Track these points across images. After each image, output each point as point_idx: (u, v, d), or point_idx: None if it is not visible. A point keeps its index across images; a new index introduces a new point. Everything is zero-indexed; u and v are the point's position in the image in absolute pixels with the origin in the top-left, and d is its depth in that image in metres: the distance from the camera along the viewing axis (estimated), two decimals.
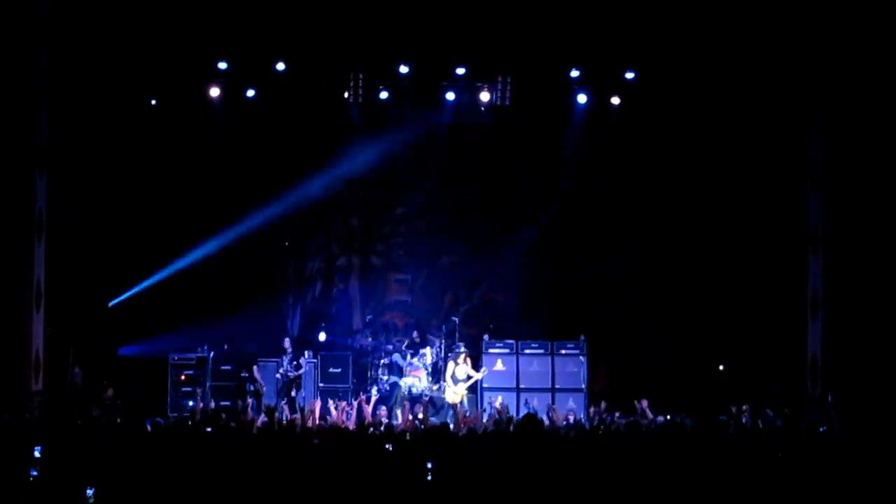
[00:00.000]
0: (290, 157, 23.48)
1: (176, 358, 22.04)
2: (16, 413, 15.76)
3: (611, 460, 11.40)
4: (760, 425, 16.57)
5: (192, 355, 22.07)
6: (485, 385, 21.53)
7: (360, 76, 22.85)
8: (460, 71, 22.70)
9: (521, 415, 19.35)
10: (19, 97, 19.87)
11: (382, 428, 15.88)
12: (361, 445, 12.02)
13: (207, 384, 21.83)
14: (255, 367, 21.69)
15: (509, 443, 12.39)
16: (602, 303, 23.17)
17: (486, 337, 22.62)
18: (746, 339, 22.13)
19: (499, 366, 21.17)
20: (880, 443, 12.43)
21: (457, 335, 22.41)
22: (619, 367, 22.67)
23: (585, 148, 23.41)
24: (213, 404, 20.58)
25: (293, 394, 21.17)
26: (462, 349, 21.36)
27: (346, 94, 23.08)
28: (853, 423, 14.81)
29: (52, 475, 11.19)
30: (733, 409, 18.40)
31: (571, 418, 18.20)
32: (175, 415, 20.73)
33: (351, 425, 16.50)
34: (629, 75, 22.56)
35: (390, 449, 12.27)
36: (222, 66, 22.29)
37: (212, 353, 22.16)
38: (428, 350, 22.14)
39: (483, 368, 21.10)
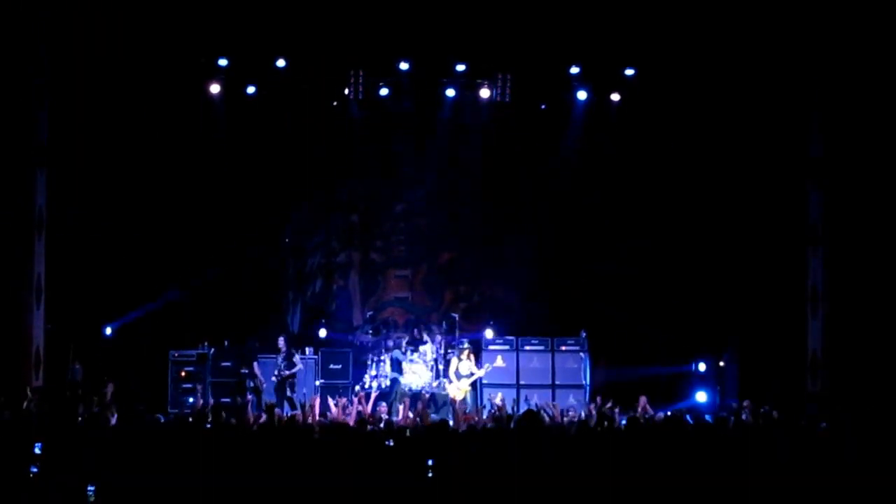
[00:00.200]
0: (290, 154, 23.50)
1: (176, 354, 22.04)
2: (16, 409, 15.75)
3: (611, 456, 11.41)
4: (761, 422, 16.58)
5: (193, 352, 22.08)
6: (485, 381, 21.53)
7: (361, 73, 22.86)
8: (460, 68, 22.70)
9: (521, 411, 19.44)
10: (19, 95, 19.87)
11: (382, 424, 15.89)
12: (362, 441, 12.03)
13: (207, 381, 21.84)
14: (255, 364, 21.68)
15: (509, 439, 12.40)
16: (602, 299, 23.17)
17: (485, 333, 22.63)
18: (746, 335, 22.13)
19: (499, 362, 21.16)
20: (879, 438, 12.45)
21: (457, 331, 22.41)
22: (620, 363, 22.67)
23: (585, 145, 23.42)
24: (212, 401, 20.58)
25: (287, 392, 21.16)
26: (465, 345, 21.37)
27: (346, 91, 23.09)
28: (853, 419, 14.78)
29: (52, 472, 11.19)
30: (734, 406, 18.42)
31: (572, 414, 18.19)
32: (175, 411, 20.74)
33: (351, 422, 16.50)
34: (629, 72, 22.57)
35: (391, 445, 12.28)
36: (222, 62, 22.30)
37: (212, 350, 22.17)
38: (428, 346, 22.14)
39: (487, 364, 21.10)
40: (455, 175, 24.28)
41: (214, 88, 22.57)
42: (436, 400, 21.30)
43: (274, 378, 21.41)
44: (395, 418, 18.28)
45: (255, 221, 23.54)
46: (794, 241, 21.43)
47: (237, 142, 23.06)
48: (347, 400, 19.40)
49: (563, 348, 22.27)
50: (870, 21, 19.87)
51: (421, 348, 22.11)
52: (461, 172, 24.26)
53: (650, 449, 11.82)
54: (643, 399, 18.95)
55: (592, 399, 20.25)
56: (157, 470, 11.05)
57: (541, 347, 22.32)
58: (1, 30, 19.54)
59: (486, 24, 21.26)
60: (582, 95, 23.08)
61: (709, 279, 22.40)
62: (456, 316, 22.83)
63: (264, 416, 16.58)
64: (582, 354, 22.14)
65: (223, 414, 16.47)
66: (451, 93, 23.17)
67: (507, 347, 22.25)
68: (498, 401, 19.03)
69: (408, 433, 14.00)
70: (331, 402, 18.04)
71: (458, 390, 20.73)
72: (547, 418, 16.44)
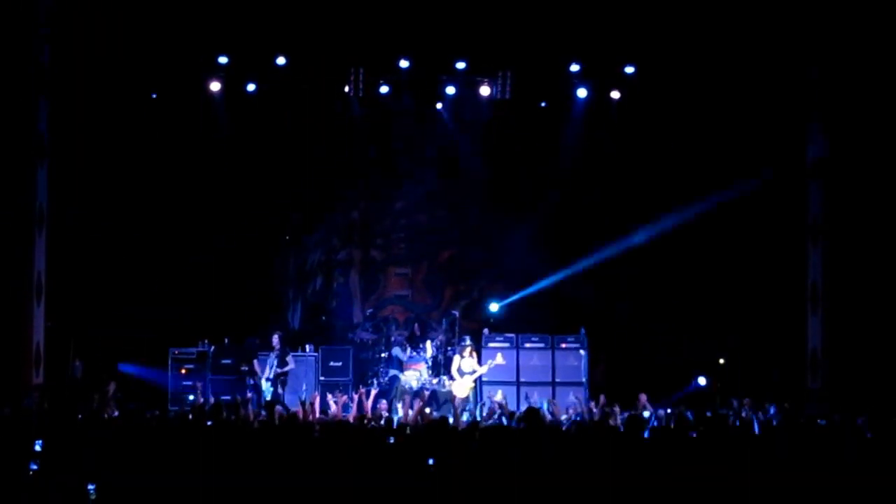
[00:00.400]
0: (290, 152, 23.51)
1: (176, 352, 22.05)
2: (16, 406, 15.75)
3: (611, 454, 11.41)
4: (761, 418, 16.60)
5: (193, 349, 22.09)
6: (485, 379, 21.54)
7: (361, 70, 22.85)
8: (460, 65, 22.70)
9: (521, 409, 19.44)
10: (20, 91, 19.87)
11: (383, 422, 15.90)
12: (362, 439, 12.03)
13: (208, 378, 21.85)
14: (255, 362, 21.68)
15: (509, 437, 12.40)
16: (602, 297, 23.19)
17: (486, 331, 22.64)
18: (747, 332, 22.14)
19: (499, 360, 21.16)
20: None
21: (457, 329, 22.42)
22: (620, 360, 22.69)
23: (585, 142, 23.42)
24: (212, 398, 20.57)
25: (279, 390, 21.16)
26: (467, 342, 21.38)
27: (346, 89, 23.08)
28: (853, 417, 14.79)
29: (52, 470, 11.19)
30: (734, 403, 18.43)
31: (572, 412, 18.19)
32: (175, 408, 20.75)
33: (351, 419, 16.51)
34: (629, 70, 22.56)
35: (391, 442, 12.29)
36: (223, 60, 22.28)
37: (212, 348, 22.18)
38: (428, 344, 22.16)
39: (489, 361, 21.11)
40: (455, 172, 24.27)
41: (215, 86, 22.57)
42: (437, 397, 21.31)
43: (266, 376, 21.38)
44: (395, 416, 18.28)
45: (256, 219, 23.54)
46: (795, 238, 21.43)
47: (238, 139, 23.05)
48: (348, 397, 19.42)
49: (563, 346, 22.28)
50: (871, 17, 19.88)
51: (421, 345, 22.13)
52: (461, 170, 24.25)
53: (650, 446, 11.83)
54: (643, 396, 18.96)
55: (592, 397, 20.26)
56: (157, 468, 11.05)
57: (541, 345, 22.32)
58: (1, 26, 19.53)
59: (487, 21, 21.26)
60: (582, 93, 23.08)
61: (709, 277, 22.41)
62: (456, 313, 22.83)
63: (264, 414, 16.61)
64: (582, 352, 22.14)
65: (223, 412, 16.46)
66: (451, 90, 23.17)
67: (506, 345, 22.25)
68: (499, 398, 19.03)
69: (408, 431, 14.00)
70: (331, 399, 18.04)
71: (461, 388, 20.73)
72: (548, 416, 16.46)
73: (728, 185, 22.08)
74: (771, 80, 21.14)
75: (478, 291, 24.37)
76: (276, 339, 21.51)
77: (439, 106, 23.64)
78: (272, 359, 21.31)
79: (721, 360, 22.24)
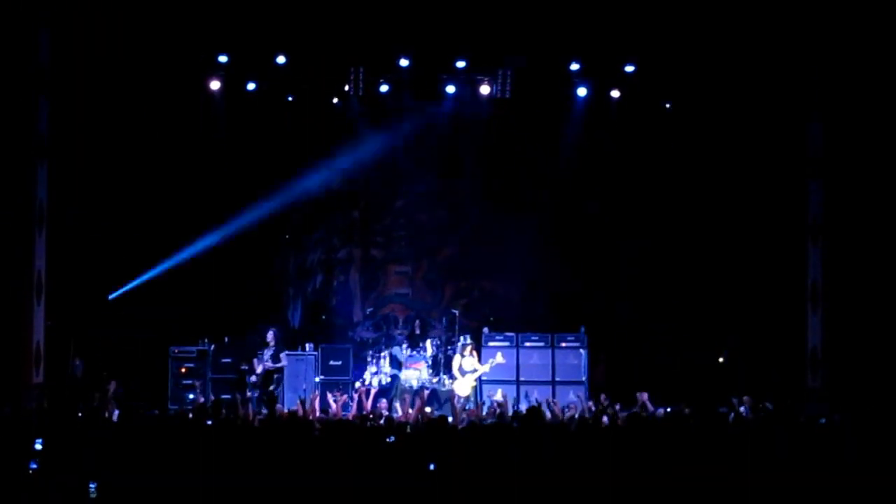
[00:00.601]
0: (291, 151, 23.51)
1: (176, 350, 22.06)
2: (16, 406, 15.76)
3: (611, 453, 11.42)
4: (760, 418, 16.59)
5: (193, 348, 22.10)
6: (485, 378, 21.54)
7: (361, 69, 22.85)
8: (460, 64, 22.69)
9: (518, 408, 19.45)
10: (20, 90, 19.87)
11: (383, 420, 15.91)
12: (363, 438, 12.04)
13: (208, 377, 21.86)
14: (255, 360, 21.69)
15: (510, 435, 12.42)
16: (602, 295, 23.19)
17: (486, 329, 22.65)
18: (747, 331, 22.15)
19: (499, 358, 21.16)
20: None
21: (457, 327, 22.42)
22: (620, 359, 22.70)
23: (585, 141, 23.41)
24: (213, 397, 20.59)
25: (271, 387, 21.16)
26: (467, 341, 21.38)
27: (346, 88, 23.07)
28: (853, 415, 14.80)
29: (52, 469, 11.20)
30: (734, 401, 18.43)
31: (572, 410, 18.20)
32: (175, 407, 20.77)
33: (350, 418, 16.53)
34: (629, 69, 22.55)
35: (391, 441, 12.29)
36: (223, 59, 22.28)
37: (212, 346, 22.19)
38: (428, 342, 22.17)
39: (490, 360, 21.13)
40: (455, 171, 24.27)
41: (215, 85, 22.57)
42: (437, 396, 21.33)
43: (257, 374, 21.39)
44: (395, 415, 18.29)
45: (255, 217, 23.53)
46: (795, 237, 21.42)
47: (237, 138, 23.05)
48: (348, 396, 19.43)
49: (564, 344, 22.27)
50: (871, 16, 19.87)
51: (421, 344, 22.14)
52: (461, 168, 24.25)
53: (650, 445, 11.83)
54: (644, 395, 18.96)
55: (592, 396, 20.27)
56: (157, 466, 11.06)
57: (541, 344, 22.33)
58: (1, 24, 19.54)
59: (487, 20, 21.25)
60: (582, 92, 23.07)
61: (709, 275, 22.41)
62: (456, 312, 22.83)
63: (264, 412, 16.63)
64: (582, 351, 22.14)
65: (224, 410, 16.49)
66: (451, 89, 23.16)
67: (507, 344, 22.25)
68: (499, 397, 19.04)
69: (408, 429, 14.01)
70: (330, 398, 18.05)
71: (463, 387, 20.74)
72: (549, 415, 16.47)
73: (728, 184, 22.10)
74: (771, 80, 21.13)
75: (478, 290, 24.36)
76: (270, 334, 21.52)
77: (439, 105, 23.63)
78: (266, 355, 21.31)
79: (721, 360, 22.27)
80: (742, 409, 17.58)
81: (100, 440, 11.82)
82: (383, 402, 19.21)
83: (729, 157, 22.04)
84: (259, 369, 21.37)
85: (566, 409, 18.08)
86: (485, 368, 21.08)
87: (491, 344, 22.18)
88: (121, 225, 22.26)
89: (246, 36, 21.69)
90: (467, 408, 19.53)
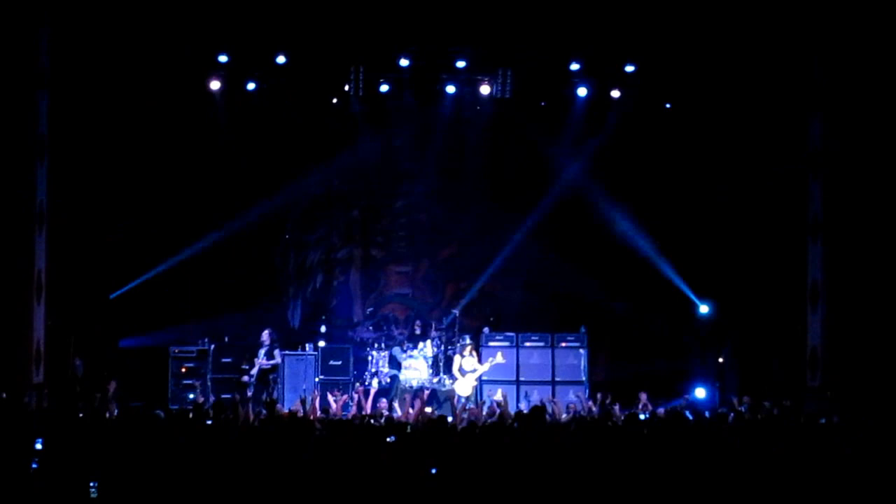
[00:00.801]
0: (291, 151, 23.54)
1: (177, 350, 22.07)
2: (17, 405, 15.76)
3: (611, 452, 11.43)
4: (760, 417, 16.60)
5: (193, 348, 22.11)
6: (485, 378, 21.56)
7: (361, 69, 22.86)
8: (461, 64, 22.70)
9: (518, 408, 19.48)
10: (20, 90, 19.88)
11: (383, 420, 15.91)
12: (363, 437, 12.04)
13: (208, 376, 21.88)
14: (255, 360, 21.69)
15: (509, 435, 12.42)
16: (602, 295, 23.19)
17: (486, 329, 22.66)
18: (746, 330, 22.15)
19: (499, 358, 21.18)
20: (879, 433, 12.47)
21: (457, 327, 22.44)
22: (620, 359, 22.71)
23: (586, 140, 23.42)
24: (213, 397, 20.61)
25: (269, 387, 21.16)
26: (467, 341, 21.39)
27: (346, 87, 23.08)
28: (852, 414, 14.82)
29: (53, 468, 11.20)
30: (733, 401, 18.45)
31: (572, 409, 18.22)
32: (175, 407, 20.77)
33: (349, 416, 16.54)
34: (629, 69, 22.56)
35: (392, 440, 12.30)
36: (223, 59, 22.29)
37: (213, 346, 22.20)
38: (428, 343, 22.18)
39: (490, 359, 21.15)
40: (455, 171, 24.27)
41: (215, 85, 22.58)
42: (437, 396, 21.34)
43: (253, 373, 21.39)
44: (395, 415, 18.30)
45: (256, 217, 23.54)
46: (795, 236, 21.42)
47: (238, 138, 23.07)
48: (349, 396, 19.44)
49: (564, 344, 22.30)
50: (870, 14, 19.88)
51: (421, 344, 22.15)
52: (461, 168, 24.26)
53: (650, 445, 11.84)
54: (643, 395, 18.99)
55: (592, 396, 20.29)
56: (158, 466, 11.06)
57: (541, 343, 22.35)
58: (2, 23, 19.55)
59: (487, 20, 21.27)
60: (582, 92, 23.08)
61: (709, 275, 22.42)
62: (456, 312, 22.85)
63: (265, 413, 16.61)
64: (582, 350, 22.15)
65: (224, 410, 16.48)
66: (451, 89, 23.17)
67: (507, 343, 22.27)
68: (498, 397, 19.06)
69: (408, 429, 14.02)
70: (330, 398, 18.07)
71: (464, 387, 20.75)
72: (549, 414, 16.47)
73: (728, 182, 22.11)
74: (772, 77, 21.14)
75: (478, 290, 24.37)
76: (265, 334, 21.51)
77: (439, 104, 23.64)
78: (261, 355, 21.32)
79: (721, 359, 22.27)
80: (742, 408, 17.60)
81: (101, 439, 11.82)
82: (383, 402, 19.22)
83: (729, 155, 22.05)
84: (254, 370, 21.35)
85: (567, 410, 18.11)
86: (485, 368, 21.10)
87: (491, 344, 22.20)
88: (121, 225, 22.25)
89: (246, 36, 21.71)
90: (468, 408, 19.55)
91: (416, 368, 21.78)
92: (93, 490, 10.77)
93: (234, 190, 23.14)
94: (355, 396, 18.94)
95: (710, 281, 22.42)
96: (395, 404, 19.81)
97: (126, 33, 20.78)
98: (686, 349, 22.59)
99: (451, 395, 20.73)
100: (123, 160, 22.03)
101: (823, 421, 14.78)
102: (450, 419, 15.34)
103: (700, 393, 21.24)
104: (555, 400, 18.99)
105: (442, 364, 21.91)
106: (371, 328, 23.80)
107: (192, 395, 20.86)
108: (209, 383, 21.79)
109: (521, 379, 22.03)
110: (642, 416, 16.40)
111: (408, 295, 24.62)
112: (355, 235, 24.66)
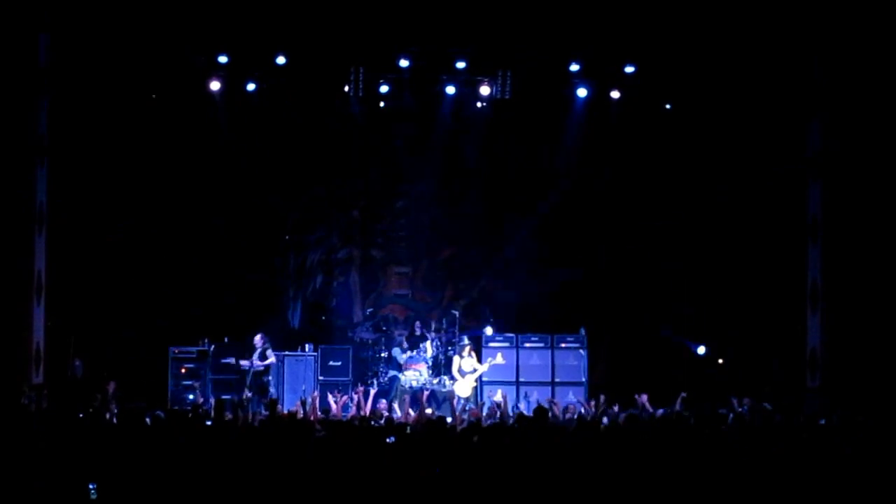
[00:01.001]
0: (291, 151, 23.54)
1: (176, 351, 22.06)
2: (16, 406, 15.77)
3: (611, 453, 11.43)
4: (760, 418, 16.60)
5: (193, 348, 22.10)
6: (485, 379, 21.56)
7: (361, 70, 22.85)
8: (461, 65, 22.70)
9: (518, 408, 19.47)
10: (20, 90, 19.89)
11: (383, 421, 15.91)
12: (363, 438, 12.04)
13: (208, 377, 21.87)
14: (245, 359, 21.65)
15: (509, 436, 12.42)
16: (602, 296, 23.20)
17: (486, 330, 22.64)
18: (746, 331, 22.15)
19: (498, 359, 21.18)
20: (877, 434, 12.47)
21: (457, 328, 22.43)
22: (620, 360, 22.71)
23: (585, 142, 23.42)
24: (213, 398, 20.60)
25: (266, 389, 21.17)
26: (466, 342, 21.38)
27: (346, 88, 23.07)
28: (852, 415, 14.81)
29: (53, 469, 11.20)
30: (733, 402, 18.44)
31: (572, 409, 18.21)
32: (175, 408, 20.75)
33: (350, 418, 16.53)
34: (629, 69, 22.56)
35: (392, 441, 12.30)
36: (223, 60, 22.28)
37: (212, 347, 22.19)
38: (428, 343, 22.18)
39: (489, 359, 21.13)
40: (455, 171, 24.27)
41: (215, 85, 22.57)
42: (436, 397, 21.33)
43: (245, 367, 21.39)
44: (394, 416, 18.30)
45: (256, 218, 23.55)
46: (795, 237, 21.42)
47: (237, 138, 23.06)
48: (348, 397, 19.43)
49: (563, 345, 22.30)
50: (870, 15, 19.88)
51: (421, 345, 22.14)
52: (461, 169, 24.25)
53: (650, 446, 11.84)
54: (643, 397, 18.97)
55: (592, 397, 20.28)
56: (158, 467, 11.06)
57: (541, 344, 22.34)
58: (2, 24, 19.55)
59: (487, 20, 21.27)
60: (582, 92, 23.08)
61: (709, 276, 22.42)
62: (456, 312, 22.84)
63: (265, 412, 16.63)
64: (581, 351, 22.15)
65: (224, 411, 16.49)
66: (451, 90, 23.17)
67: (506, 344, 22.26)
68: (498, 398, 19.06)
69: (408, 430, 14.02)
70: (330, 398, 18.06)
71: (464, 388, 20.74)
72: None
73: (728, 184, 22.11)
74: (772, 78, 21.15)
75: (477, 291, 24.37)
76: (258, 337, 21.45)
77: (439, 105, 23.64)
78: (255, 356, 21.28)
79: (720, 360, 22.27)
80: (742, 409, 17.60)
81: (101, 440, 11.83)
82: (383, 403, 19.21)
83: (728, 157, 22.04)
84: (246, 365, 21.32)
85: (566, 411, 18.10)
86: (484, 368, 21.09)
87: (491, 344, 22.19)
88: (121, 225, 22.26)
89: (246, 36, 21.71)
90: (468, 409, 19.55)
91: (416, 369, 21.77)
92: (92, 491, 10.77)
93: (233, 190, 23.13)
94: (355, 397, 18.93)
95: (709, 282, 22.42)
96: (395, 405, 19.79)
97: (126, 34, 20.78)
98: (686, 350, 22.56)
99: (450, 395, 20.72)
100: (123, 161, 22.03)
101: (823, 421, 14.78)
102: (449, 420, 15.33)
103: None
104: (554, 401, 18.98)
105: (442, 365, 21.90)
106: (371, 329, 23.79)
107: (191, 396, 20.85)
108: (209, 384, 21.76)
109: (521, 380, 22.02)
110: (642, 418, 16.37)
111: (407, 295, 24.62)
112: (355, 236, 24.65)
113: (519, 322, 23.07)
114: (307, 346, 22.52)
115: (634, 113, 22.87)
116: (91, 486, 10.80)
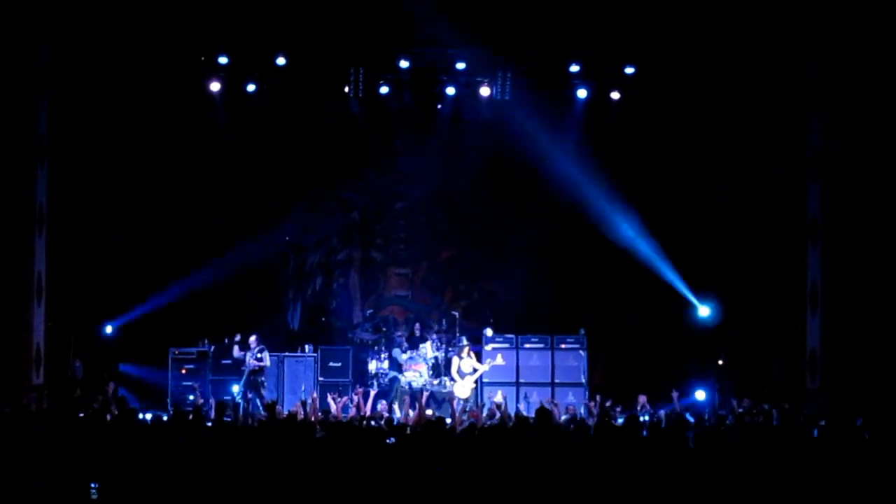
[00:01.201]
0: (291, 151, 23.55)
1: (176, 352, 22.06)
2: (16, 406, 15.77)
3: (611, 454, 11.43)
4: (760, 419, 16.61)
5: (193, 349, 22.10)
6: (485, 380, 21.55)
7: (361, 70, 22.86)
8: (460, 66, 22.70)
9: (518, 409, 19.48)
10: (20, 90, 19.89)
11: (383, 422, 15.90)
12: (363, 439, 12.04)
13: (208, 378, 21.87)
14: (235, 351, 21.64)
15: (509, 437, 12.42)
16: (602, 297, 23.20)
17: (486, 331, 22.64)
18: (746, 332, 22.15)
19: (498, 360, 21.17)
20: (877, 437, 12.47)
21: (457, 329, 22.43)
22: (620, 360, 22.72)
23: (585, 142, 23.41)
24: (213, 398, 20.58)
25: (261, 391, 21.16)
26: (464, 343, 21.39)
27: (346, 89, 23.08)
28: (851, 417, 14.82)
29: (53, 469, 11.20)
30: (733, 403, 18.45)
31: (572, 410, 18.22)
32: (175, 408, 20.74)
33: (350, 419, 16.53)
34: (629, 70, 22.57)
35: (392, 442, 12.30)
36: (223, 60, 22.29)
37: (212, 347, 22.18)
38: (428, 344, 22.18)
39: (488, 360, 21.13)
40: (455, 173, 24.27)
41: (215, 86, 22.58)
42: (436, 398, 21.33)
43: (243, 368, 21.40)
44: (394, 416, 18.30)
45: (256, 219, 23.55)
46: (794, 238, 21.42)
47: (237, 139, 23.08)
48: (348, 398, 19.42)
49: (563, 346, 22.29)
50: (869, 16, 19.89)
51: (421, 346, 22.15)
52: (461, 170, 24.25)
53: (650, 447, 11.84)
54: (642, 398, 18.98)
55: (592, 397, 20.28)
56: (158, 467, 11.07)
57: (540, 345, 22.34)
58: (3, 25, 19.56)
59: (486, 21, 21.27)
60: (582, 93, 23.08)
61: (708, 276, 22.42)
62: (456, 314, 22.85)
63: (264, 414, 16.61)
64: (582, 352, 22.15)
65: (225, 411, 16.50)
66: (451, 90, 23.17)
67: (506, 345, 22.25)
68: (498, 399, 19.06)
69: (408, 431, 14.02)
70: (330, 399, 18.06)
71: (463, 389, 20.74)
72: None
73: (728, 184, 22.11)
74: (770, 80, 21.15)
75: (477, 292, 24.38)
76: (253, 339, 21.39)
77: (439, 106, 23.65)
78: (249, 357, 21.25)
79: (720, 361, 22.26)
80: (741, 410, 17.60)
81: (101, 440, 11.83)
82: (383, 404, 19.21)
83: (729, 156, 22.04)
84: (241, 356, 21.27)
85: (566, 412, 18.10)
86: (484, 368, 21.09)
87: (491, 345, 22.18)
88: (121, 225, 22.27)
89: (246, 37, 21.72)
90: (467, 409, 19.54)
91: (416, 370, 21.77)
92: (93, 491, 10.77)
93: (233, 191, 23.14)
94: (355, 398, 18.93)
95: (709, 283, 22.40)
96: (395, 406, 19.79)
97: (126, 34, 20.80)
98: (686, 351, 22.55)
99: (450, 396, 20.72)
100: (123, 161, 22.04)
101: (823, 422, 14.78)
102: (448, 421, 15.33)
103: (700, 395, 21.22)
104: (554, 402, 18.98)
105: (442, 366, 21.90)
106: (371, 330, 23.79)
107: (191, 397, 20.84)
108: (209, 384, 21.76)
109: (521, 380, 22.00)
110: (642, 419, 16.38)
111: (407, 297, 24.63)
112: (355, 237, 24.66)
113: (519, 323, 23.06)
114: (307, 347, 22.52)
115: (634, 113, 22.86)
116: (92, 487, 10.80)
